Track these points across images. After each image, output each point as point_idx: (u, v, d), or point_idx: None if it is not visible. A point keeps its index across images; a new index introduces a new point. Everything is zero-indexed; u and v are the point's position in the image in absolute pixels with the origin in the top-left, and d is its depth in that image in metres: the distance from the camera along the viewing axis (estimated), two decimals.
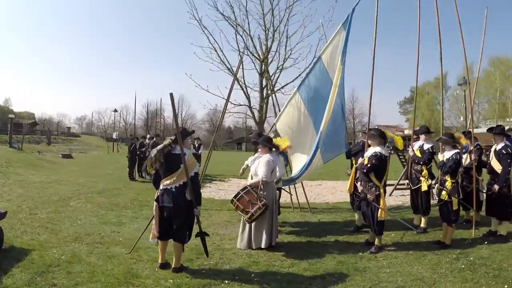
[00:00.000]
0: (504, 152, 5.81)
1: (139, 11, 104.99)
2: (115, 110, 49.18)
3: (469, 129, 7.05)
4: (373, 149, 5.44)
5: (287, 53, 8.59)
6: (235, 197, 5.08)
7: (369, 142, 5.69)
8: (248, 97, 8.64)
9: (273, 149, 5.75)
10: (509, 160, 5.77)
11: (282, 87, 8.73)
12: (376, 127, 6.55)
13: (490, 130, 6.32)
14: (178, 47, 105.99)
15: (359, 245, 5.70)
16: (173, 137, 4.33)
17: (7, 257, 4.43)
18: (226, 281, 4.09)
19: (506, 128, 7.33)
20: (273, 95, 8.63)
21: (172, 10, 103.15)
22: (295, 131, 7.37)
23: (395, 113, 66.87)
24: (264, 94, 8.74)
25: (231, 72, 8.50)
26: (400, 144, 6.62)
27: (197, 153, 15.86)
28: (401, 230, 6.46)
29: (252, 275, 4.33)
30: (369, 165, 5.31)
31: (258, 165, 5.38)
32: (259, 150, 5.71)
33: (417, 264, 4.86)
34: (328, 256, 5.13)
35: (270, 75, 8.68)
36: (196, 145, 16.17)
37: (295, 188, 8.41)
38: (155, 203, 4.35)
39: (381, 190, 5.34)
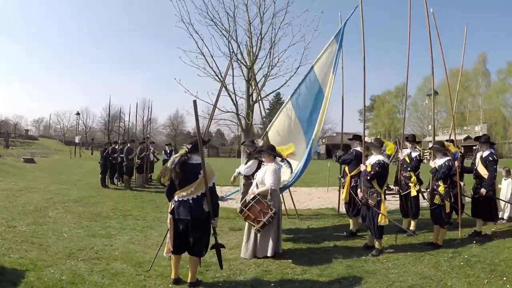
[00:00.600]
0: (491, 159, 6.45)
1: (103, 11, 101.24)
2: (78, 113, 47.45)
3: (452, 138, 7.60)
4: (375, 157, 5.77)
5: (272, 61, 8.76)
6: (244, 206, 5.07)
7: (371, 151, 6.00)
8: (236, 104, 8.70)
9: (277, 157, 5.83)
10: (494, 166, 6.41)
11: (267, 95, 8.89)
12: (378, 138, 6.89)
13: (476, 139, 7.00)
14: (145, 49, 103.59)
15: (359, 249, 5.94)
16: (189, 146, 4.19)
17: (0, 281, 4.12)
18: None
19: (464, 136, 8.01)
20: (260, 102, 8.77)
21: (140, 11, 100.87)
22: (284, 138, 7.53)
23: (355, 120, 69.96)
24: (251, 102, 8.85)
25: (219, 79, 8.53)
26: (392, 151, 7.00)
27: (169, 159, 15.55)
28: (392, 233, 6.79)
29: (272, 284, 4.38)
30: (373, 172, 5.61)
31: (265, 173, 5.43)
32: (264, 158, 5.73)
33: (419, 264, 5.18)
34: (334, 261, 5.30)
35: (257, 82, 8.80)
36: (168, 151, 15.91)
37: (282, 195, 8.56)
38: (169, 215, 4.18)
39: (382, 196, 5.63)
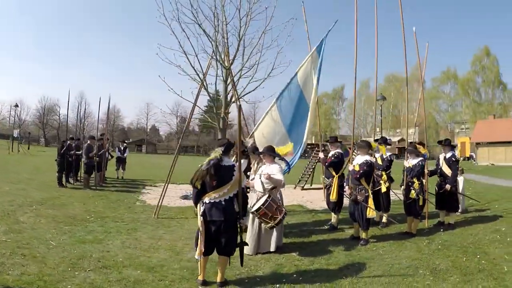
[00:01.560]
0: (454, 159, 7.78)
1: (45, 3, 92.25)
2: (16, 105, 43.28)
3: (421, 141, 8.73)
4: (363, 158, 6.54)
5: (245, 63, 9.16)
6: (262, 205, 5.31)
7: (359, 151, 6.77)
8: (214, 104, 8.94)
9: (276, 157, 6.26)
10: (456, 166, 7.76)
11: (242, 96, 9.23)
12: (364, 139, 7.68)
13: (439, 142, 8.28)
14: (90, 41, 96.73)
15: (347, 241, 6.64)
16: (222, 149, 4.43)
17: None
18: (282, 285, 4.48)
19: (398, 138, 9.36)
20: (238, 102, 9.13)
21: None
22: (268, 140, 7.98)
23: None
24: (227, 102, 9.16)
25: (199, 78, 8.71)
26: (384, 151, 7.87)
27: (123, 157, 15.43)
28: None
29: (294, 275, 4.81)
30: (361, 171, 6.37)
31: (272, 172, 5.76)
32: (264, 159, 6.12)
33: (404, 250, 6.06)
34: (333, 251, 5.94)
35: (235, 83, 9.13)
36: (122, 148, 15.59)
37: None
38: (201, 218, 4.34)
39: (369, 192, 6.40)
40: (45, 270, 4.61)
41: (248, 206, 6.21)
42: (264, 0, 8.91)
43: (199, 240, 4.31)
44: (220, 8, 8.95)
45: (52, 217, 7.48)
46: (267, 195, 5.53)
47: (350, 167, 6.76)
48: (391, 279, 4.62)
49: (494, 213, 9.19)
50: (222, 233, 4.29)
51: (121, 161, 15.24)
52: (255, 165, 6.87)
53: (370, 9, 10.55)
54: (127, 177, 15.39)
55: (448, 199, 7.75)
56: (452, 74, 51.92)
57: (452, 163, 7.71)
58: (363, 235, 6.53)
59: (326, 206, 8.24)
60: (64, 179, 11.87)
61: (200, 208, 4.38)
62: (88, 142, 12.50)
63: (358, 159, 6.63)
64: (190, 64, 8.64)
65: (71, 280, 4.36)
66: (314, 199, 11.79)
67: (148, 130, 72.94)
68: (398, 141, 50.23)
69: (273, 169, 5.81)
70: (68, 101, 15.62)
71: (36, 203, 8.57)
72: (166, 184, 8.71)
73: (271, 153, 6.02)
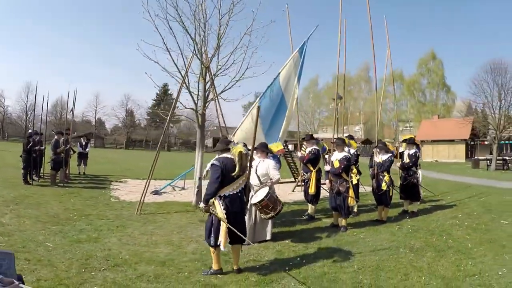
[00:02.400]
0: (415, 155, 9.08)
1: None
2: None
3: (387, 139, 9.77)
4: (341, 154, 7.36)
5: (220, 62, 9.54)
6: (265, 196, 5.67)
7: (336, 149, 7.59)
8: (195, 102, 9.22)
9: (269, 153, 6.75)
10: (418, 161, 9.08)
11: (219, 94, 9.61)
12: (340, 137, 8.50)
13: (404, 140, 9.48)
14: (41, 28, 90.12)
15: (328, 228, 7.39)
16: (242, 144, 5.02)
17: None
18: (294, 268, 4.98)
19: (346, 134, 10.49)
20: (217, 100, 9.54)
21: None
22: (248, 136, 8.48)
23: (239, 115, 74.36)
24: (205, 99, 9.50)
25: (181, 75, 8.98)
26: (355, 146, 8.73)
27: (85, 152, 15.22)
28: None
29: (298, 259, 5.40)
30: (342, 166, 7.19)
31: (269, 167, 6.30)
32: (258, 155, 6.47)
33: (380, 234, 6.96)
34: (321, 237, 6.65)
35: (213, 80, 9.49)
36: (84, 143, 15.34)
37: None
38: (223, 210, 4.62)
39: (349, 183, 7.20)
40: (60, 274, 4.50)
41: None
42: (247, 2, 9.30)
43: (221, 232, 4.57)
44: (199, 7, 9.25)
45: (35, 217, 7.31)
46: (267, 188, 5.96)
47: (327, 167, 7.57)
48: (380, 256, 5.44)
49: (448, 202, 10.54)
50: (238, 223, 4.69)
51: (83, 156, 15.03)
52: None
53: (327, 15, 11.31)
54: (88, 172, 15.17)
55: (411, 190, 8.92)
56: (398, 75, 55.68)
57: (414, 158, 9.02)
58: (343, 222, 7.34)
59: (294, 199, 8.93)
60: (28, 176, 11.48)
61: (219, 203, 4.68)
62: (56, 137, 12.21)
63: (337, 155, 7.42)
64: (173, 61, 8.89)
65: (92, 281, 4.33)
66: (279, 194, 12.37)
67: (93, 123, 70.00)
68: (346, 137, 52.81)
69: (270, 164, 6.33)
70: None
71: (10, 203, 8.34)
72: (148, 181, 8.91)
73: (264, 149, 6.54)
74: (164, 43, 8.79)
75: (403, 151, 9.44)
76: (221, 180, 4.63)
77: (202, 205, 4.72)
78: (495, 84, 24.65)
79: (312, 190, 8.23)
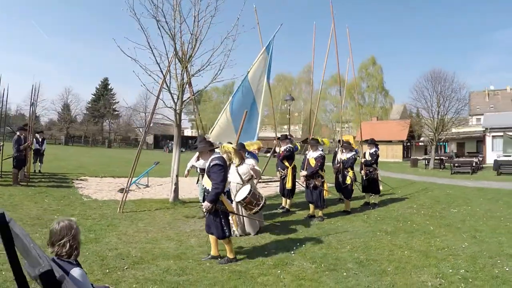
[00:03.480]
0: (375, 154, 10.45)
1: None
2: None
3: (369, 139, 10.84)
4: (317, 152, 8.32)
5: (197, 62, 10.11)
6: (248, 193, 6.21)
7: (311, 148, 8.51)
8: (175, 101, 9.57)
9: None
10: (376, 157, 10.42)
11: (196, 94, 10.10)
12: (314, 138, 9.30)
13: (365, 141, 10.80)
14: None
15: (306, 219, 8.23)
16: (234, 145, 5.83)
17: None
18: (298, 252, 5.66)
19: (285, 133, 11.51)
20: (194, 100, 10.02)
21: None
22: (223, 129, 9.12)
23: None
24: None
25: (162, 74, 9.29)
26: (328, 144, 9.71)
27: (41, 149, 14.66)
28: (306, 208, 9.29)
29: (298, 244, 6.05)
30: (319, 164, 8.16)
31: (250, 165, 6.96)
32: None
33: (355, 222, 8.01)
34: (305, 227, 7.43)
35: (190, 80, 9.94)
36: (40, 139, 14.67)
37: None
38: (229, 201, 5.36)
39: (324, 178, 8.25)
40: (89, 277, 4.14)
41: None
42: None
43: (233, 222, 5.40)
44: (177, 7, 9.63)
45: (18, 220, 7.00)
46: (249, 185, 6.53)
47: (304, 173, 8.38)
48: (364, 239, 6.44)
49: (400, 196, 12.04)
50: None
51: (39, 154, 14.43)
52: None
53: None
54: (42, 170, 14.62)
55: (372, 185, 10.19)
56: (340, 78, 59.10)
57: (375, 156, 10.46)
58: (319, 213, 8.26)
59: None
60: None
61: (225, 198, 5.20)
62: (18, 133, 11.76)
63: (312, 154, 8.34)
64: (156, 60, 9.18)
65: (125, 280, 4.41)
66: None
67: (26, 117, 65.10)
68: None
69: (252, 162, 6.95)
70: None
71: None
72: (130, 179, 9.10)
73: (242, 148, 7.15)
74: (148, 41, 9.06)
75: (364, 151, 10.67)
76: (225, 176, 5.10)
77: (207, 205, 4.98)
78: (435, 91, 27.85)
79: (289, 185, 9.06)
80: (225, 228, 5.11)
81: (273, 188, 12.94)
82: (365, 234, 6.78)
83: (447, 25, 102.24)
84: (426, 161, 28.74)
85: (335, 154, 10.59)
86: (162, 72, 9.31)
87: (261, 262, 5.18)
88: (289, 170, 9.15)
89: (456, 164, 23.24)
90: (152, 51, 9.21)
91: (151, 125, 65.69)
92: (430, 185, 15.55)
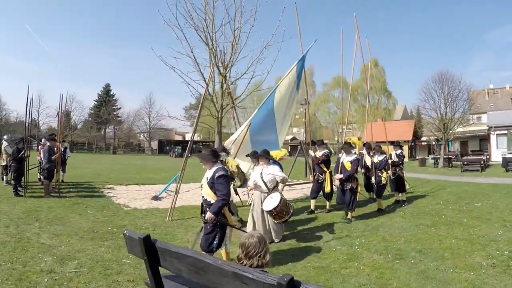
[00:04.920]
0: (401, 155, 11.46)
1: None
2: None
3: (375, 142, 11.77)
4: (351, 156, 8.70)
5: (236, 71, 10.97)
6: (280, 202, 6.31)
7: (345, 151, 8.88)
8: (217, 109, 10.46)
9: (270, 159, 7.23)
10: (402, 158, 11.40)
11: (236, 104, 10.96)
12: (346, 141, 9.89)
13: (392, 143, 11.77)
14: None
15: (339, 221, 8.87)
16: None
17: None
18: (354, 243, 6.67)
19: (291, 137, 12.55)
20: (234, 108, 10.93)
21: None
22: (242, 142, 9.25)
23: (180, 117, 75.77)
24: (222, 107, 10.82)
25: (205, 82, 10.11)
26: (359, 144, 10.55)
27: (65, 158, 14.74)
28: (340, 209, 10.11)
29: (355, 239, 7.00)
30: (355, 167, 8.59)
31: (274, 172, 6.85)
32: (261, 161, 7.19)
33: (394, 218, 8.90)
34: (351, 227, 8.16)
35: (229, 88, 10.87)
36: (62, 149, 13.95)
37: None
38: (230, 214, 5.20)
39: (359, 181, 8.93)
40: None
41: (252, 205, 7.16)
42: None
43: (228, 236, 5.10)
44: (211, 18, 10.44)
45: (74, 233, 6.99)
46: (278, 194, 6.62)
47: (338, 177, 8.79)
48: (411, 232, 7.40)
49: (422, 194, 12.96)
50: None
51: (62, 163, 14.02)
52: (255, 167, 7.80)
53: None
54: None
55: (399, 183, 11.17)
56: (343, 80, 60.16)
57: (402, 157, 11.46)
58: (349, 215, 8.73)
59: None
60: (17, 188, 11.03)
61: (227, 210, 5.10)
62: (48, 143, 11.87)
63: (347, 158, 8.69)
64: (200, 70, 10.11)
65: None
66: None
67: (26, 124, 65.69)
68: (291, 139, 56.64)
69: (274, 169, 6.91)
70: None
71: (30, 220, 7.95)
72: (178, 186, 9.41)
73: (267, 155, 7.15)
74: (191, 51, 10.01)
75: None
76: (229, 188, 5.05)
77: (211, 216, 4.79)
78: (442, 91, 29.01)
79: (328, 188, 9.62)
80: (215, 242, 4.93)
81: (296, 192, 13.75)
82: (410, 228, 7.71)
83: (444, 24, 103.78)
84: (435, 160, 29.98)
85: (362, 156, 11.14)
86: (205, 80, 10.15)
87: (334, 258, 5.81)
88: (327, 174, 9.81)
89: (465, 162, 24.32)
90: (196, 60, 10.19)
91: (152, 130, 67.21)
92: (445, 183, 16.58)
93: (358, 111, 57.47)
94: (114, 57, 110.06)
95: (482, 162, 24.03)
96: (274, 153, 7.90)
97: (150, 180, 16.27)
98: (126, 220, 8.37)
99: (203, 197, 5.13)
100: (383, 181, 10.15)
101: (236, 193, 7.47)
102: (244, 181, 7.24)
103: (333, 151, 10.68)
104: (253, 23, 10.35)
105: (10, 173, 12.73)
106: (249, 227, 6.77)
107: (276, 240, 6.81)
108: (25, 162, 11.39)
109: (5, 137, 14.52)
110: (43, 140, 14.23)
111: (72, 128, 61.02)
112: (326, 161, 9.91)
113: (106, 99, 67.77)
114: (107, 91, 69.21)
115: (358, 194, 9.05)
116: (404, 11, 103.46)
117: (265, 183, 6.80)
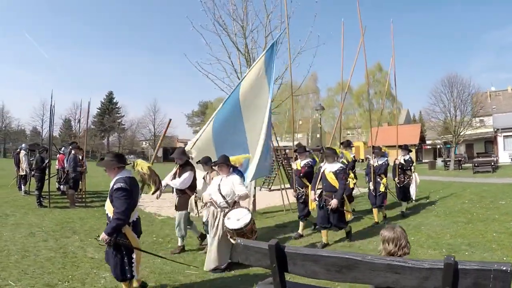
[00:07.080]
0: (410, 160, 10.70)
1: None
2: None
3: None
4: (335, 165, 7.06)
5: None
6: (250, 221, 5.39)
7: (326, 160, 7.21)
8: None
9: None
10: (411, 163, 10.77)
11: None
12: (329, 147, 7.79)
13: (400, 146, 11.19)
14: None
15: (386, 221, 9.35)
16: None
17: None
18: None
19: (296, 142, 12.14)
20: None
21: None
22: (203, 148, 8.15)
23: (183, 124, 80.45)
24: None
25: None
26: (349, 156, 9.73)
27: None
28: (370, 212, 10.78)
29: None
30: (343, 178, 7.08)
31: (233, 185, 5.78)
32: (219, 170, 6.00)
33: (430, 217, 9.40)
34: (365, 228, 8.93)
35: None
36: (80, 157, 12.28)
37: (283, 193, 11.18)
38: (134, 234, 4.36)
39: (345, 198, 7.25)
40: None
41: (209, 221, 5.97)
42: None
43: (135, 261, 4.29)
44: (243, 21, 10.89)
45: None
46: (248, 211, 5.65)
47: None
48: (453, 229, 8.01)
49: (445, 194, 13.70)
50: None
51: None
52: (208, 176, 7.07)
53: None
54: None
55: (404, 192, 10.29)
56: (346, 85, 60.95)
57: (410, 162, 10.72)
58: (381, 216, 9.37)
59: None
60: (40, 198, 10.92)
61: (129, 230, 4.29)
62: (73, 152, 11.54)
63: (331, 167, 7.01)
64: (238, 77, 10.64)
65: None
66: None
67: (29, 132, 66.86)
68: (296, 145, 56.94)
69: (234, 181, 5.81)
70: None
71: (67, 232, 7.89)
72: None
73: (227, 163, 5.99)
74: (229, 57, 10.67)
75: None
76: (130, 203, 4.17)
77: (104, 236, 4.02)
78: (451, 95, 29.93)
79: (312, 207, 7.70)
80: (126, 267, 4.17)
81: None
82: (449, 225, 8.38)
83: (443, 25, 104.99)
84: (445, 162, 30.75)
85: (368, 161, 10.42)
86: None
87: None
88: (309, 190, 7.71)
89: (476, 164, 25.08)
90: (233, 65, 10.79)
91: (154, 137, 67.65)
92: (462, 184, 17.26)
93: (363, 116, 58.34)
94: (115, 64, 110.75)
95: (492, 164, 24.77)
96: (233, 159, 6.59)
97: (167, 188, 16.43)
98: (166, 229, 8.39)
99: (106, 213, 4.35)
100: (382, 189, 9.20)
101: (196, 206, 6.72)
102: (158, 186, 5.70)
103: (317, 160, 8.87)
104: (284, 30, 10.53)
105: (28, 183, 13.12)
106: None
107: (222, 266, 5.69)
108: (47, 171, 11.30)
109: (23, 145, 14.34)
110: (62, 148, 14.60)
111: (80, 136, 61.95)
112: (309, 172, 8.12)
113: (109, 107, 68.52)
114: (110, 99, 69.93)
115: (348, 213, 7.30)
116: (404, 11, 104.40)
117: (223, 196, 5.77)
